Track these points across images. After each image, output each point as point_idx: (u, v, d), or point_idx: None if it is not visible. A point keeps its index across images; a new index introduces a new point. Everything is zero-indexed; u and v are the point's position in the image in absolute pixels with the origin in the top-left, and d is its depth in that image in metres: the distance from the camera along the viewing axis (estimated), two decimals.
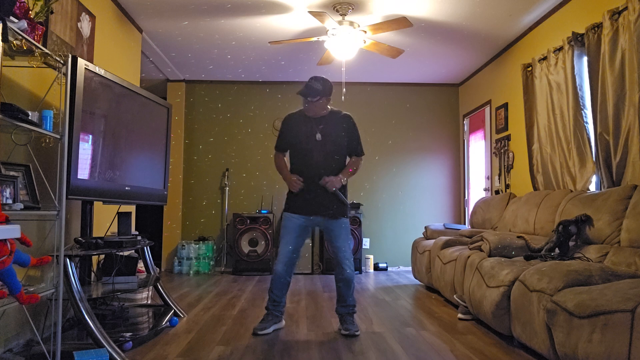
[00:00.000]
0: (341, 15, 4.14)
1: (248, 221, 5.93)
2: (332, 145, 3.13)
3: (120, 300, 3.32)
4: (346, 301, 3.14)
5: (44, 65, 2.51)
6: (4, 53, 2.13)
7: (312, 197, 3.11)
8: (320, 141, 3.11)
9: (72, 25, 3.27)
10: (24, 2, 2.25)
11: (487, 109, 5.67)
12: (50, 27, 2.93)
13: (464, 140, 6.51)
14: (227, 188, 6.42)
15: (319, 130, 3.12)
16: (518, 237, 3.50)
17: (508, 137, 5.05)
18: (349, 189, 3.28)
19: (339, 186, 3.09)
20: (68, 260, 2.45)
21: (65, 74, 2.44)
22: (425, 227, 5.32)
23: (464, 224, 6.28)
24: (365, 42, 4.35)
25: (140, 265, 3.47)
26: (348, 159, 3.26)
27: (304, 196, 3.13)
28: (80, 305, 2.46)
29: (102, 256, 3.26)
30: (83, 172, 2.74)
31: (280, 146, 3.30)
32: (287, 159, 3.31)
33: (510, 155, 4.98)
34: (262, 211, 6.08)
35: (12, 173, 2.30)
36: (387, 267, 6.36)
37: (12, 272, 1.87)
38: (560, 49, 3.86)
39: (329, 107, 3.21)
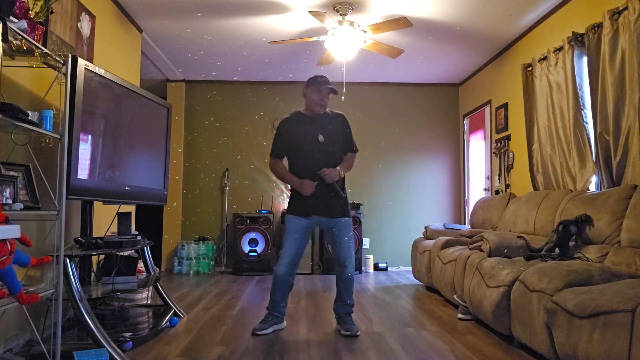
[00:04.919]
0: (341, 15, 4.13)
1: (248, 221, 5.93)
2: (332, 146, 3.14)
3: (120, 300, 3.32)
4: (346, 301, 3.14)
5: (43, 65, 2.51)
6: (4, 53, 2.13)
7: (316, 197, 3.09)
8: (324, 142, 3.11)
9: (72, 25, 3.27)
10: (24, 2, 2.25)
11: (487, 109, 5.67)
12: (50, 27, 2.93)
13: (464, 140, 6.51)
14: (227, 188, 6.42)
15: (320, 131, 3.12)
16: (518, 237, 3.50)
17: (508, 137, 5.05)
18: (347, 188, 3.28)
19: (337, 178, 3.08)
20: (68, 260, 2.45)
21: (65, 74, 2.44)
22: (425, 227, 5.32)
23: (464, 224, 6.28)
24: (365, 42, 4.35)
25: (140, 265, 3.47)
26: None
27: (308, 197, 3.10)
28: (80, 305, 2.46)
29: (102, 256, 3.26)
30: (83, 172, 2.73)
31: (278, 152, 3.21)
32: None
33: (510, 155, 4.98)
34: (262, 211, 6.08)
35: (12, 173, 2.30)
36: (387, 267, 6.35)
37: (12, 272, 1.87)
38: (561, 48, 3.86)
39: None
